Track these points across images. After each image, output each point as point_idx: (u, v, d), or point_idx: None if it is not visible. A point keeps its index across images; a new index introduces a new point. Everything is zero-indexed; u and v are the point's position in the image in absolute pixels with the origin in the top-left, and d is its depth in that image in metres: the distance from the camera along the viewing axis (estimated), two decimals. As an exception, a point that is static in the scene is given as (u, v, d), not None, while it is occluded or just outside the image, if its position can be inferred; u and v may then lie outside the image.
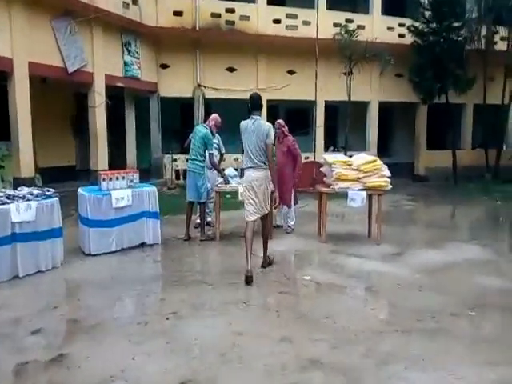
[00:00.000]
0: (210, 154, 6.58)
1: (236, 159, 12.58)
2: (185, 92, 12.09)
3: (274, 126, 7.22)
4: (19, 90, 8.16)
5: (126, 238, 6.04)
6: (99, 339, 3.43)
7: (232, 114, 13.87)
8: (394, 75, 13.74)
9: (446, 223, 8.29)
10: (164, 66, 11.99)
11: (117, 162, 12.47)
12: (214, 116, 6.96)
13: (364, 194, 6.35)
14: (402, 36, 13.59)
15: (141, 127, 12.19)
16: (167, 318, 3.77)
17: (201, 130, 6.61)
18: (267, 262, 5.36)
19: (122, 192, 6.02)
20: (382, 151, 14.19)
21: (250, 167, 4.94)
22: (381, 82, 13.59)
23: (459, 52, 12.34)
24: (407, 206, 10.09)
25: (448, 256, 5.88)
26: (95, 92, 9.81)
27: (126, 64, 10.63)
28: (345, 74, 12.05)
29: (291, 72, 12.98)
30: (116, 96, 12.11)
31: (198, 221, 7.56)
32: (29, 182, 8.20)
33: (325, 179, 6.88)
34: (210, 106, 13.80)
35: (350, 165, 6.42)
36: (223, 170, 7.49)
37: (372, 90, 13.68)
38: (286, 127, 7.34)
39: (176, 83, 11.91)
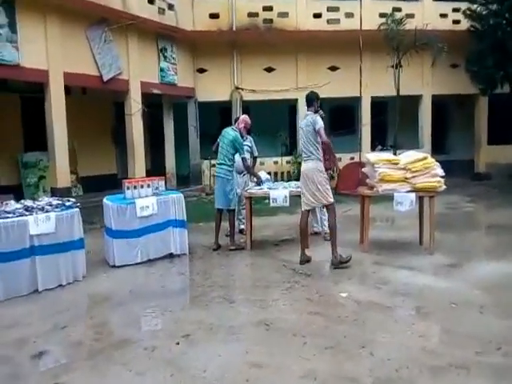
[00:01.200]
0: (244, 159, 6.16)
1: (276, 162, 12.11)
2: (222, 96, 11.77)
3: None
4: (55, 100, 8.19)
5: (152, 249, 5.74)
6: (100, 367, 3.06)
7: (270, 115, 13.53)
8: (449, 66, 12.58)
9: (511, 229, 7.22)
10: (201, 71, 11.75)
11: (157, 169, 12.43)
12: (244, 117, 6.55)
13: (413, 196, 5.60)
14: (456, 22, 12.42)
15: (179, 133, 12.03)
16: (177, 343, 3.33)
17: (230, 133, 6.19)
18: (338, 261, 5.17)
19: (147, 200, 5.72)
20: (437, 148, 13.05)
21: (303, 160, 5.45)
22: (433, 74, 12.49)
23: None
24: (466, 209, 9.03)
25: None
26: (131, 99, 9.73)
27: (162, 70, 10.48)
28: (392, 66, 11.14)
29: (333, 68, 12.26)
30: (154, 103, 12.08)
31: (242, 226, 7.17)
32: (65, 192, 8.25)
33: (367, 180, 6.20)
34: (249, 108, 13.49)
35: (395, 163, 5.70)
36: (247, 174, 7.05)
37: (424, 82, 12.61)
38: None
39: (213, 87, 11.63)
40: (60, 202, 5.14)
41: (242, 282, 4.90)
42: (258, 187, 6.34)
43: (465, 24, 12.00)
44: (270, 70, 11.97)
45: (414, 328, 3.50)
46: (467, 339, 3.26)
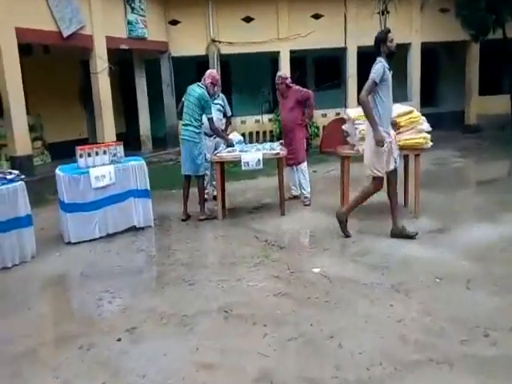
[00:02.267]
0: (210, 119, 5.52)
1: (257, 121, 11.41)
2: (198, 50, 10.84)
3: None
4: (7, 60, 7.31)
5: (112, 223, 5.23)
6: (22, 374, 2.61)
7: (251, 70, 12.68)
8: (438, 10, 11.67)
9: (503, 185, 6.75)
10: (174, 23, 10.76)
11: (132, 132, 11.74)
12: (210, 72, 5.79)
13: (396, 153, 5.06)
14: (446, -39, 11.41)
15: (154, 93, 11.20)
16: (119, 339, 2.89)
17: (196, 90, 5.52)
18: (399, 231, 4.55)
19: (103, 169, 5.15)
20: (427, 100, 12.41)
21: None
22: (422, 21, 11.59)
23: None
24: (455, 164, 8.54)
25: (507, 232, 4.56)
26: (96, 57, 8.85)
27: (129, 23, 9.52)
28: (379, 13, 10.28)
29: (317, 16, 11.29)
30: (125, 60, 11.19)
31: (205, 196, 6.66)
32: (26, 161, 7.62)
33: (348, 139, 5.64)
34: (228, 63, 12.61)
35: (377, 120, 5.12)
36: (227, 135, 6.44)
37: (412, 30, 11.72)
38: (289, 79, 6.10)
39: (188, 40, 10.68)
40: (1, 176, 4.56)
41: (207, 258, 4.44)
42: (229, 150, 5.76)
43: (455, -38, 11.01)
44: (248, 19, 10.99)
45: (392, 311, 3.07)
46: (451, 324, 2.85)
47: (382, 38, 4.43)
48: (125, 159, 5.47)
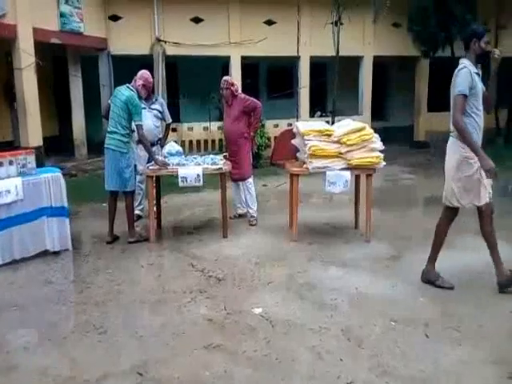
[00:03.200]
0: (138, 127, 4.82)
1: (206, 128, 10.76)
2: (141, 49, 10.05)
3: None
4: None
5: (19, 247, 4.41)
6: None
7: (201, 74, 12.02)
8: (391, 25, 11.68)
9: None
10: (115, 18, 9.90)
11: (66, 135, 10.70)
12: (143, 73, 5.09)
13: (348, 174, 4.66)
14: (399, -24, 11.42)
15: (91, 93, 10.24)
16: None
17: (123, 92, 4.81)
18: (505, 280, 3.48)
19: (8, 182, 4.32)
20: (377, 114, 12.38)
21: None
22: (375, 34, 11.55)
23: (469, -8, 10.24)
24: (405, 181, 8.38)
25: (465, 258, 4.24)
26: (20, 50, 7.85)
27: (62, 15, 8.59)
28: (332, 23, 10.03)
29: (269, 22, 10.89)
30: (60, 57, 10.19)
31: (138, 212, 5.95)
32: None
33: (298, 154, 5.17)
34: (176, 65, 11.91)
35: (328, 135, 4.70)
36: (160, 145, 5.80)
37: (365, 42, 11.64)
38: (237, 86, 5.58)
39: (130, 38, 9.85)
40: None
41: (128, 294, 3.73)
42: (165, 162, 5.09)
43: (408, -22, 11.04)
44: (197, 20, 10.36)
45: (342, 369, 2.56)
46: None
47: (480, 33, 3.47)
48: (37, 171, 4.66)
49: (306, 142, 4.67)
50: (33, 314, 3.38)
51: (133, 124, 4.83)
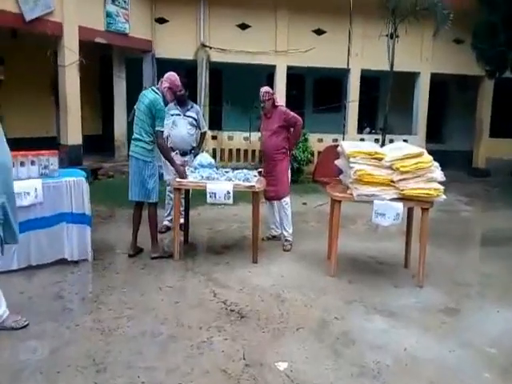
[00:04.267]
0: (158, 132, 4.39)
1: (246, 138, 10.35)
2: (186, 53, 9.82)
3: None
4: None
5: (35, 252, 4.15)
6: None
7: (245, 82, 11.61)
8: (452, 40, 10.83)
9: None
10: (161, 21, 9.73)
11: (109, 135, 10.62)
12: (170, 75, 4.59)
13: (400, 206, 4.02)
14: (464, -11, 10.55)
15: (135, 95, 10.06)
16: None
17: (148, 95, 4.41)
18: None
19: (27, 184, 4.05)
20: (433, 135, 11.50)
21: None
22: (434, 49, 10.74)
23: (547, 7, 9.25)
24: (463, 213, 7.49)
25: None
26: (65, 48, 7.78)
27: (109, 15, 8.48)
28: (387, 35, 9.36)
29: (319, 32, 10.36)
30: (106, 57, 10.14)
31: (166, 222, 5.58)
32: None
33: (341, 177, 4.58)
34: (221, 72, 11.61)
35: (379, 159, 4.08)
36: (193, 154, 5.40)
37: (422, 57, 10.85)
38: (276, 95, 5.08)
39: (175, 42, 9.65)
40: None
41: (139, 323, 3.26)
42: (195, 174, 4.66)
43: (474, -9, 10.16)
44: (244, 26, 10.01)
45: None
46: None
47: None
48: (60, 173, 4.36)
49: (352, 164, 4.07)
50: (33, 334, 3.01)
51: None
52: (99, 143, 10.55)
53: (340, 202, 4.21)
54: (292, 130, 5.07)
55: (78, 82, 8.12)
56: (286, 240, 5.12)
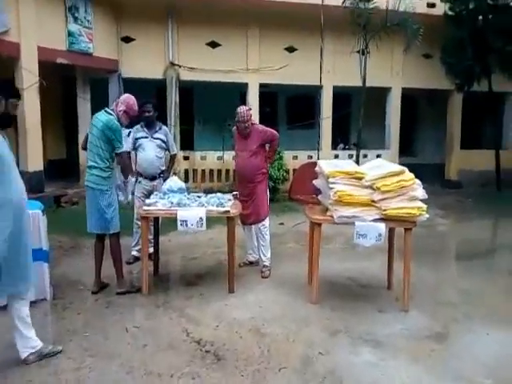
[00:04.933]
0: (119, 155, 4.09)
1: (220, 158, 10.09)
2: (154, 72, 9.52)
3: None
4: None
5: None
6: None
7: (217, 101, 11.40)
8: (422, 55, 10.97)
9: (502, 262, 5.63)
10: (127, 40, 9.41)
11: (73, 159, 10.12)
12: (126, 98, 4.24)
13: (382, 227, 3.80)
14: (431, 6, 10.71)
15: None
16: None
17: (101, 118, 4.07)
18: None
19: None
20: (405, 149, 11.53)
21: None
22: (404, 64, 10.82)
23: (511, 22, 9.46)
24: (440, 227, 7.40)
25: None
26: (23, 69, 7.35)
27: (71, 34, 8.12)
28: (358, 51, 9.37)
29: (291, 49, 10.30)
30: (69, 78, 9.73)
31: (135, 253, 5.19)
32: None
33: (320, 198, 4.35)
34: (192, 91, 11.38)
35: (359, 178, 3.87)
36: (163, 179, 5.08)
37: (393, 72, 10.92)
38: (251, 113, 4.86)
39: (143, 61, 9.32)
40: None
41: (101, 374, 2.89)
42: (164, 201, 4.32)
43: (441, 8, 10.38)
44: (214, 45, 9.81)
45: None
46: None
47: None
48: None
49: (331, 185, 3.85)
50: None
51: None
52: (63, 168, 10.05)
53: (320, 224, 3.96)
54: (269, 146, 4.84)
55: (38, 105, 7.69)
56: (264, 266, 4.83)
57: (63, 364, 3.03)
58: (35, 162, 7.73)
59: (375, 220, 3.81)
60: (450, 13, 10.14)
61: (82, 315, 3.79)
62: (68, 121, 10.56)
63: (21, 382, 2.82)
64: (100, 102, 9.54)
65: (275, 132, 4.87)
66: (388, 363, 3.05)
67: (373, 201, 3.79)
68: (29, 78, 7.42)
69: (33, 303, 3.81)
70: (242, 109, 4.69)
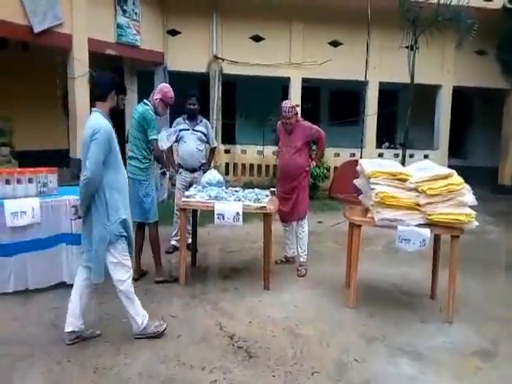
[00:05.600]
0: (152, 142, 4.10)
1: (260, 152, 10.05)
2: (198, 66, 9.60)
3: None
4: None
5: (32, 275, 3.89)
6: None
7: (260, 95, 11.37)
8: (475, 52, 10.40)
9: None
10: (173, 33, 9.53)
11: (120, 146, 10.43)
12: (162, 86, 4.32)
13: (427, 232, 3.62)
14: (487, -1, 10.14)
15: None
16: None
17: (138, 109, 4.16)
18: None
19: (24, 202, 3.79)
20: (455, 151, 11.02)
21: None
22: (456, 61, 10.31)
23: None
24: (490, 234, 6.99)
25: None
26: (75, 59, 7.62)
27: (119, 27, 8.31)
28: (407, 47, 9.00)
29: (335, 43, 10.06)
30: (119, 69, 9.97)
31: (174, 242, 5.27)
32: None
33: (361, 198, 4.21)
34: (235, 84, 11.39)
35: (403, 180, 3.70)
36: (203, 171, 5.10)
37: (444, 70, 10.43)
38: (297, 109, 4.77)
39: (188, 54, 9.43)
40: None
41: (135, 362, 2.93)
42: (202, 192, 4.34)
43: (498, 1, 9.76)
44: (257, 39, 9.75)
45: None
46: None
47: None
48: (59, 191, 4.10)
49: (373, 185, 3.71)
50: (19, 370, 2.73)
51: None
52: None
53: (360, 226, 3.83)
54: (316, 145, 4.80)
55: (87, 95, 7.92)
56: (301, 265, 4.75)
57: (101, 348, 3.12)
58: (83, 150, 8.00)
59: (419, 225, 3.64)
60: (509, 6, 9.52)
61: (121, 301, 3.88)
62: (115, 111, 10.86)
63: (61, 361, 2.93)
64: (146, 94, 9.57)
65: (321, 131, 4.76)
66: (428, 377, 2.90)
67: (417, 204, 3.62)
68: (80, 68, 7.67)
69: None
70: (285, 104, 4.58)
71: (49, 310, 3.64)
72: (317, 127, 4.75)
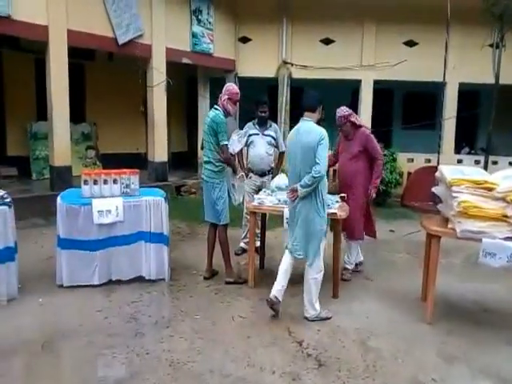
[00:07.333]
0: (223, 147, 4.19)
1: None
2: (267, 71, 9.67)
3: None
4: (55, 62, 6.75)
5: (115, 268, 4.21)
6: None
7: (326, 98, 11.03)
8: None
9: None
10: (244, 40, 9.72)
11: (193, 152, 10.85)
12: (227, 86, 4.40)
13: (516, 246, 3.33)
14: None
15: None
16: None
17: (209, 115, 4.31)
18: None
19: (109, 202, 4.10)
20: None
21: None
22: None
23: None
24: None
25: None
26: (153, 69, 8.08)
27: (194, 36, 8.66)
28: (491, 45, 8.39)
29: (410, 43, 9.64)
30: (193, 77, 10.39)
31: (242, 244, 5.37)
32: (64, 172, 6.94)
33: (440, 207, 3.98)
34: (303, 88, 11.28)
35: (489, 189, 3.45)
36: (272, 176, 5.14)
37: (534, 69, 9.59)
38: (355, 115, 4.62)
39: (257, 60, 9.56)
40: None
41: (206, 360, 3.02)
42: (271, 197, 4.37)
43: None
44: (327, 41, 9.63)
45: None
46: None
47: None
48: (140, 192, 4.36)
49: (455, 194, 3.49)
50: (102, 360, 2.95)
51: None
52: (184, 160, 10.83)
53: (439, 237, 3.62)
54: (374, 167, 4.53)
55: (164, 102, 8.38)
56: (345, 268, 4.64)
57: (175, 343, 3.26)
58: (161, 154, 8.47)
59: (507, 238, 3.36)
60: None
61: (194, 298, 4.04)
62: (189, 117, 11.34)
63: (140, 353, 3.10)
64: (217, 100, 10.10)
65: (380, 151, 4.54)
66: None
67: (505, 216, 3.35)
68: (157, 76, 8.13)
69: (152, 282, 4.27)
70: (338, 112, 4.54)
71: (129, 303, 3.88)
72: (376, 145, 4.52)
